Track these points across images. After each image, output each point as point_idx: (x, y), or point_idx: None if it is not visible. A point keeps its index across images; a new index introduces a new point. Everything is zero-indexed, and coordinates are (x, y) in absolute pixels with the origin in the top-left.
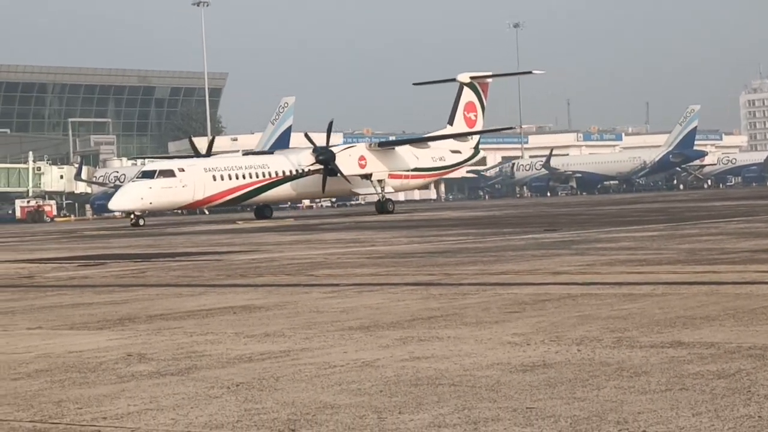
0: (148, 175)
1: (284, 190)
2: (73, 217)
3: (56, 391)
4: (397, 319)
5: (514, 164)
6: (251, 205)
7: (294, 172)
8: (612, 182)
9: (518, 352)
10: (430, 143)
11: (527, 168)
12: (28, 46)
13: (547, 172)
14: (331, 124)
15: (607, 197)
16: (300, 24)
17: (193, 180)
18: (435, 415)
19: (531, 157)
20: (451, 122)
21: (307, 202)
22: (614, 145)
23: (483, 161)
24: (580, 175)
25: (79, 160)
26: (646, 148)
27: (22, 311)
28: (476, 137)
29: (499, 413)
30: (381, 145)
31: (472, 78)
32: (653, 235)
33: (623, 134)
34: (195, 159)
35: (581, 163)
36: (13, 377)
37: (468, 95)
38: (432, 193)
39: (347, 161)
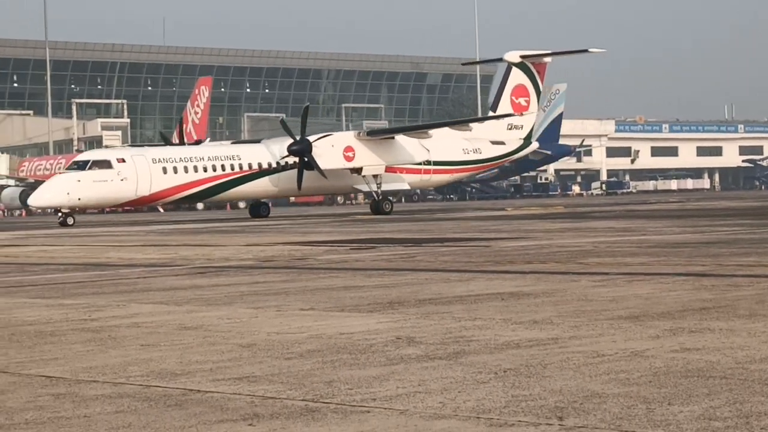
0: (81, 165)
1: (258, 186)
2: None
3: (327, 372)
4: (668, 309)
5: None
6: (230, 202)
7: (274, 165)
8: None
9: None
10: (435, 131)
11: None
12: (304, 34)
13: None
14: (306, 108)
15: None
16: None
17: (135, 172)
18: (705, 407)
19: None
20: (494, 108)
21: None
22: None
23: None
24: None
25: None
26: None
27: (296, 292)
28: (528, 126)
29: None
30: (372, 134)
31: (522, 57)
32: None
33: None
34: (146, 148)
35: None
36: (286, 357)
37: (518, 77)
38: (706, 183)
39: (329, 153)
